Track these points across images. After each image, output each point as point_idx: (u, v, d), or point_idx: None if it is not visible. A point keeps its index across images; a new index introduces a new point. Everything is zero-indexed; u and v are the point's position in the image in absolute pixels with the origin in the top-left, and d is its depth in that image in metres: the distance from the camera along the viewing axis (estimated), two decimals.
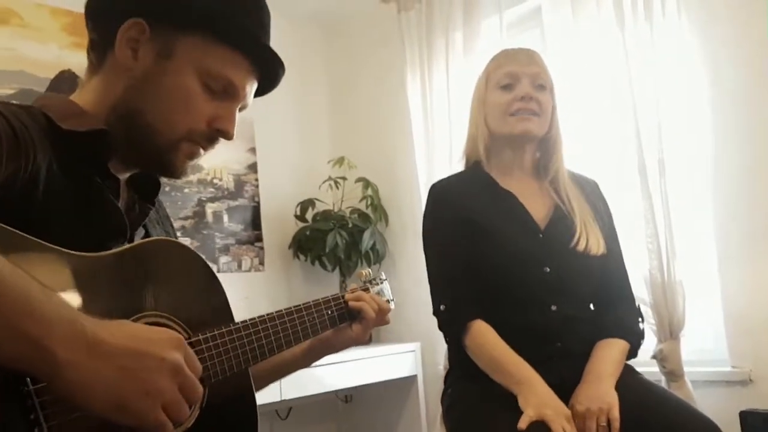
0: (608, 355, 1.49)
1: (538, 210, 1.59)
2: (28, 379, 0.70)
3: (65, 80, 2.45)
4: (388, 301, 1.29)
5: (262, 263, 3.05)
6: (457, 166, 1.74)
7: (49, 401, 0.71)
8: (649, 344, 2.11)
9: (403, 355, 2.80)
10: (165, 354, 0.74)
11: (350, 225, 2.93)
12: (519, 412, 1.34)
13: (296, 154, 3.25)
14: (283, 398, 2.35)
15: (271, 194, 3.11)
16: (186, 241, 2.77)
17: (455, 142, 2.64)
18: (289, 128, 3.26)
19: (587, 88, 2.32)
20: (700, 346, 2.21)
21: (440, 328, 1.59)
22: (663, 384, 2.08)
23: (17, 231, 0.75)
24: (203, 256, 0.99)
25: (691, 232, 2.15)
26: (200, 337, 0.92)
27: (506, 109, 1.57)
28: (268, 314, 1.04)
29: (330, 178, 3.03)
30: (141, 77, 0.91)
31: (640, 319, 1.59)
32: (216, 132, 0.96)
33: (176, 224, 2.77)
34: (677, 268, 2.11)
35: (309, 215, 3.04)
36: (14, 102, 0.89)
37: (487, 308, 1.51)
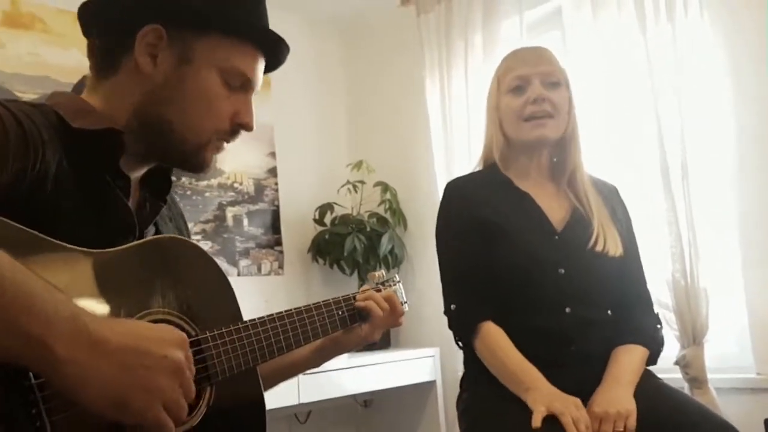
0: (628, 361, 1.46)
1: (555, 212, 1.56)
2: (31, 373, 0.70)
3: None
4: (402, 303, 1.28)
5: (281, 267, 3.05)
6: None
7: (52, 396, 0.71)
8: (672, 350, 2.08)
9: (422, 360, 2.78)
10: (167, 352, 0.74)
11: (368, 229, 2.92)
12: (531, 414, 1.32)
13: (315, 158, 3.25)
14: (301, 401, 2.34)
15: (290, 198, 3.12)
16: (206, 244, 2.78)
17: (474, 146, 2.62)
18: (309, 132, 3.26)
19: (609, 89, 2.29)
20: (725, 352, 2.16)
21: (450, 328, 1.57)
22: (686, 391, 2.03)
23: (24, 228, 0.76)
24: (213, 258, 0.99)
25: (715, 236, 2.10)
26: (207, 335, 0.91)
27: (519, 113, 1.54)
28: (277, 313, 1.04)
29: (348, 182, 3.02)
30: (162, 84, 0.92)
31: (659, 326, 1.56)
32: (238, 126, 0.98)
33: (196, 228, 2.79)
34: (701, 272, 2.07)
35: (328, 219, 3.04)
36: (26, 100, 0.89)
37: (500, 309, 1.49)
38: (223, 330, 0.93)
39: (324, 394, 2.45)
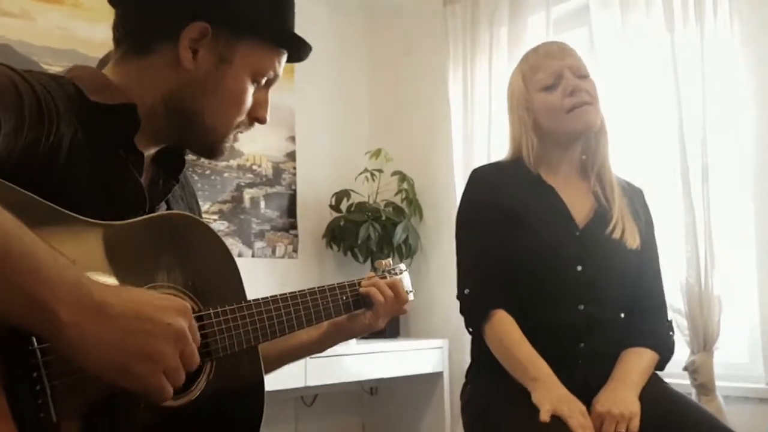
0: (636, 363, 1.45)
1: (579, 209, 1.54)
2: (34, 338, 0.71)
3: None
4: (407, 292, 1.28)
5: (295, 251, 3.07)
6: None
7: (54, 361, 0.72)
8: (681, 355, 2.06)
9: (430, 351, 2.79)
10: (171, 320, 0.75)
11: (384, 218, 2.92)
12: (536, 410, 1.31)
13: (334, 145, 3.26)
14: (307, 384, 2.37)
15: (307, 183, 3.13)
16: (223, 224, 2.81)
17: (494, 141, 2.61)
18: (329, 118, 3.27)
19: (632, 88, 2.27)
20: (734, 360, 2.14)
21: (462, 313, 1.56)
22: (693, 397, 2.02)
23: (35, 196, 0.77)
24: (222, 238, 1.00)
25: (731, 242, 2.07)
26: (211, 311, 0.92)
27: (560, 107, 1.51)
28: (281, 294, 1.04)
29: (366, 170, 3.03)
30: (200, 79, 0.95)
31: (671, 332, 1.55)
32: (254, 119, 1.03)
33: (214, 208, 2.81)
34: (715, 278, 2.05)
35: (344, 206, 3.05)
36: (45, 72, 0.91)
37: (513, 299, 1.48)
38: (227, 307, 0.94)
39: (331, 378, 2.47)
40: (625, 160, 2.19)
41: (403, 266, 1.33)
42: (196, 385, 0.89)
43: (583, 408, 1.33)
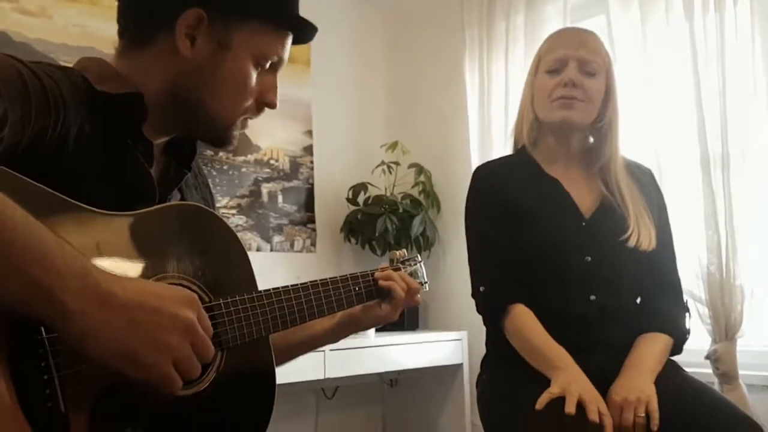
0: (650, 349, 1.44)
1: (584, 199, 1.54)
2: (42, 328, 0.72)
3: None
4: (421, 284, 1.27)
5: (313, 244, 3.07)
6: None
7: (62, 351, 0.73)
8: (703, 344, 2.03)
9: (449, 343, 2.78)
10: (177, 311, 0.76)
11: (401, 210, 2.91)
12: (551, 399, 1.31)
13: (351, 138, 3.25)
14: (327, 376, 2.37)
15: (325, 177, 3.13)
16: (241, 219, 2.82)
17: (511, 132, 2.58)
18: (346, 111, 3.26)
19: (652, 77, 2.23)
20: (758, 348, 2.11)
21: (478, 310, 1.57)
22: (716, 386, 1.99)
23: (42, 186, 0.77)
24: (234, 230, 1.00)
25: (753, 230, 2.03)
26: (221, 301, 0.92)
27: (549, 94, 1.52)
28: (292, 285, 1.04)
29: (383, 163, 3.02)
30: (199, 67, 0.94)
31: (687, 315, 1.53)
32: (263, 104, 1.01)
33: (232, 202, 2.82)
34: (738, 266, 2.01)
35: (361, 199, 3.04)
36: (53, 63, 0.91)
37: (526, 293, 1.48)
38: (237, 298, 0.94)
39: (350, 370, 2.47)
40: (644, 148, 2.17)
41: (418, 257, 1.33)
42: (206, 376, 0.89)
43: (600, 397, 1.32)
